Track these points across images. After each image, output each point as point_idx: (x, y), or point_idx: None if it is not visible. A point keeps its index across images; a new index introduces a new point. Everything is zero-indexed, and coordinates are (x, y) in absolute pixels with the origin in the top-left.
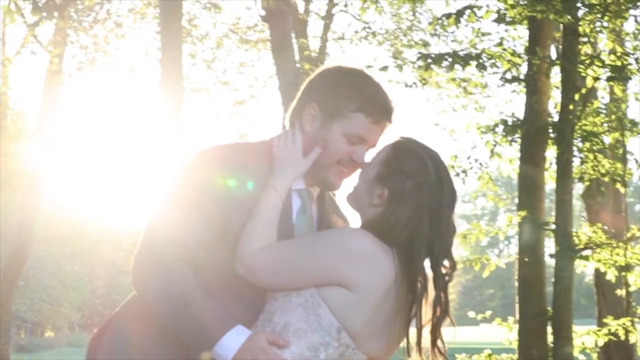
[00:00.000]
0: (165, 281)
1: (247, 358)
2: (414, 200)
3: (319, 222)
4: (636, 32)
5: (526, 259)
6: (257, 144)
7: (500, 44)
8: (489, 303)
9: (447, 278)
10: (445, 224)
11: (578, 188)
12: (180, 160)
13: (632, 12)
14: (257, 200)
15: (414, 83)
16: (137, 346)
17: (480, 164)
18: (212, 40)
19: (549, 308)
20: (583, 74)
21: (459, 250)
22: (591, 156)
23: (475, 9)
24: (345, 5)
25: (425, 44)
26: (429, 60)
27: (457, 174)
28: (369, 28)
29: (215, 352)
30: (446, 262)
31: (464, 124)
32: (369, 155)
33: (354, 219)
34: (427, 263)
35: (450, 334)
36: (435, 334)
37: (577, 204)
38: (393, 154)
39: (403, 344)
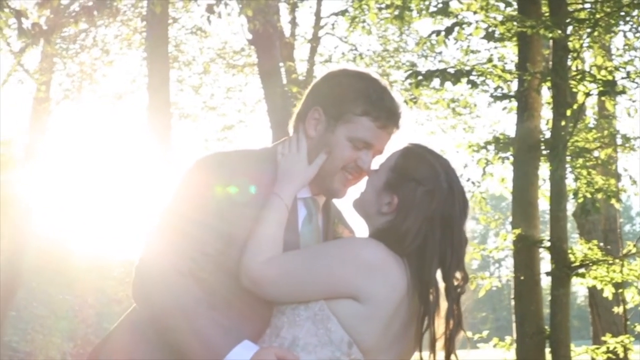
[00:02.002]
0: (169, 295)
1: None
2: (425, 208)
3: (325, 231)
4: (626, 47)
5: (522, 277)
6: (260, 151)
7: (490, 61)
8: (482, 326)
9: (459, 290)
10: (457, 233)
11: (569, 209)
12: (181, 169)
13: (621, 27)
14: (261, 209)
15: (404, 102)
16: None
17: (473, 182)
18: (199, 65)
19: (547, 327)
20: (574, 90)
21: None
22: (584, 172)
23: (464, 26)
24: (332, 28)
25: (413, 65)
26: (420, 78)
27: None
28: (356, 50)
29: None
30: (458, 274)
31: (453, 144)
32: (376, 162)
33: (360, 229)
34: (438, 274)
35: (464, 355)
36: (449, 347)
37: (568, 224)
38: (402, 160)
39: (414, 357)
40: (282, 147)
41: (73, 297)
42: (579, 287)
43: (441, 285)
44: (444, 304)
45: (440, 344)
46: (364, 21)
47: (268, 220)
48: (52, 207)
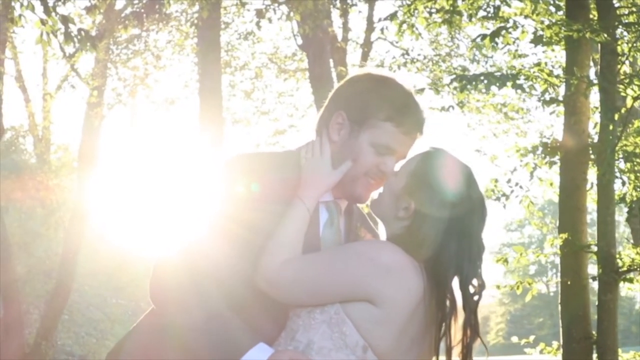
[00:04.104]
0: (187, 295)
1: None
2: (442, 214)
3: (347, 235)
4: None
5: (569, 282)
6: (284, 153)
7: (537, 65)
8: (539, 332)
9: (476, 298)
10: (475, 241)
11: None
12: (205, 172)
13: None
14: (283, 212)
15: (451, 106)
16: None
17: (521, 187)
18: (251, 70)
19: (594, 332)
20: (622, 94)
21: (506, 278)
22: (632, 177)
23: (510, 29)
24: (382, 32)
25: (465, 70)
26: (464, 81)
27: (498, 198)
28: (408, 54)
29: None
30: (475, 281)
31: (504, 149)
32: (397, 165)
33: (383, 233)
34: (455, 282)
35: None
36: (466, 355)
37: (626, 231)
38: (422, 165)
39: None
40: (305, 150)
41: (127, 302)
42: (637, 293)
43: (458, 292)
44: (461, 312)
45: (456, 351)
46: (413, 25)
47: (288, 223)
48: (106, 211)
